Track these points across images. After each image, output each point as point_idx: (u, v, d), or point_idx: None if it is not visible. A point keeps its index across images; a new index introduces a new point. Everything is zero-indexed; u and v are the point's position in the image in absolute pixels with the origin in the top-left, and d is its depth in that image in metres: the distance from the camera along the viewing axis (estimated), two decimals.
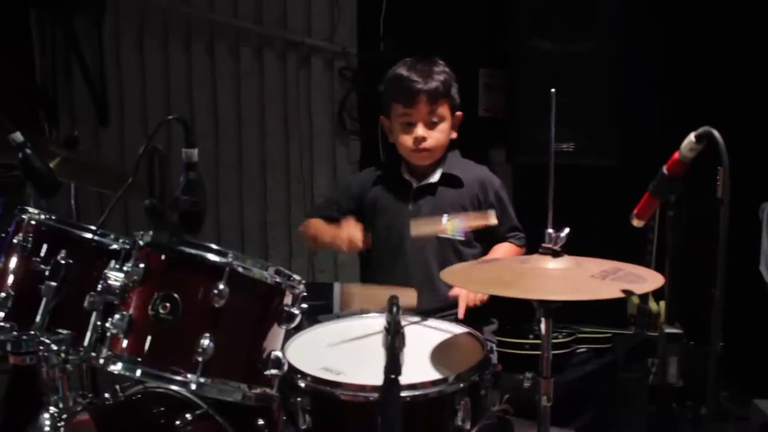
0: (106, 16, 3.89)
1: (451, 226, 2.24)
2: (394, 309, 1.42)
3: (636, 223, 1.47)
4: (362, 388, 1.66)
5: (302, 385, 1.71)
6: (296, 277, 1.66)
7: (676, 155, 1.35)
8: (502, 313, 2.49)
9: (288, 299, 1.65)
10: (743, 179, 3.69)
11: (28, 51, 3.92)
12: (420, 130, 2.24)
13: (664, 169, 1.37)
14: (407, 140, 2.27)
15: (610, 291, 1.51)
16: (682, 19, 3.85)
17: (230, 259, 1.54)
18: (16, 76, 3.89)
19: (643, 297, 3.82)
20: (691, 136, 1.31)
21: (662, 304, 3.88)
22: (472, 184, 2.34)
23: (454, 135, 2.35)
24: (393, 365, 1.46)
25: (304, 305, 2.59)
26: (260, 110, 3.90)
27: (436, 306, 2.18)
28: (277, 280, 1.63)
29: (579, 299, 1.50)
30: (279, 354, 1.62)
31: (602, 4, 3.61)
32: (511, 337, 2.98)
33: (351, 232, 2.18)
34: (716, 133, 1.26)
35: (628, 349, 3.51)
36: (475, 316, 2.24)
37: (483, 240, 2.33)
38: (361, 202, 2.41)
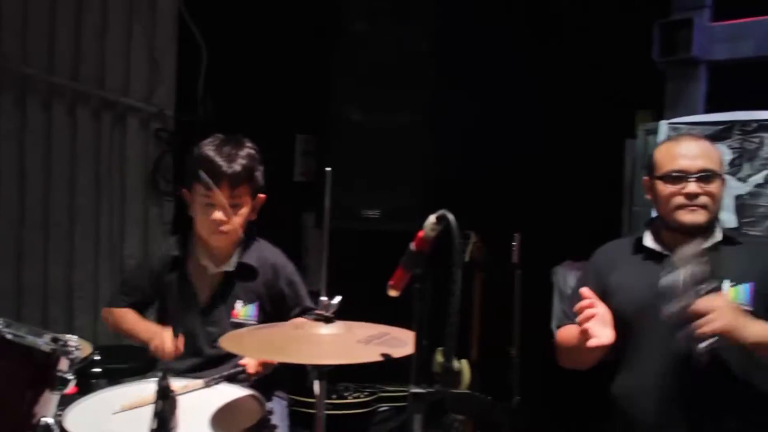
0: None
1: (244, 311, 2.36)
2: (162, 375, 1.48)
3: (392, 293, 1.63)
4: None
5: None
6: (73, 342, 1.67)
7: (421, 233, 1.52)
8: (302, 375, 2.60)
9: (63, 365, 1.66)
10: (539, 246, 4.06)
11: None
12: (219, 214, 2.28)
13: (412, 246, 1.54)
14: (205, 221, 2.31)
15: (371, 355, 1.66)
16: (481, 100, 4.23)
17: None
18: None
19: (447, 355, 4.07)
20: (432, 218, 1.49)
21: (464, 362, 4.13)
22: (266, 270, 2.41)
23: (254, 217, 2.41)
24: (161, 429, 1.52)
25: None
26: (71, 167, 3.83)
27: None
28: (53, 347, 1.64)
29: (341, 363, 1.63)
30: (49, 420, 1.62)
31: (413, 81, 3.92)
32: (311, 397, 3.04)
33: (166, 343, 2.22)
34: (450, 216, 1.45)
35: (429, 406, 3.71)
36: (269, 378, 2.34)
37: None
38: (159, 283, 2.44)
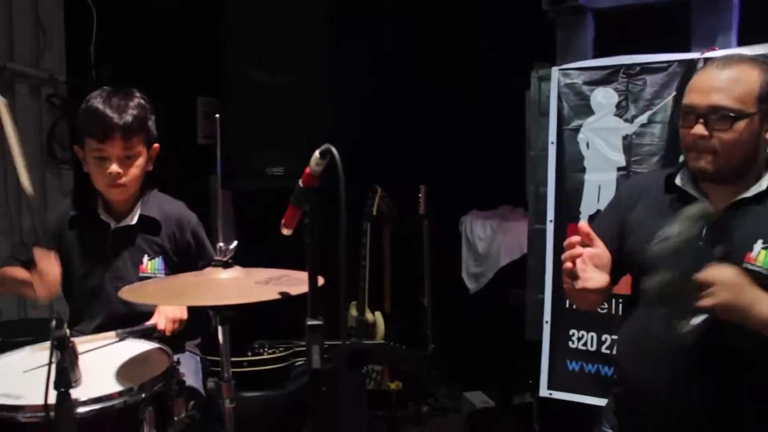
0: None
1: (152, 265, 2.34)
2: (56, 324, 1.48)
3: (285, 231, 1.66)
4: (43, 408, 1.67)
5: None
6: None
7: (308, 170, 1.56)
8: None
9: None
10: (445, 197, 4.16)
11: None
12: (114, 167, 2.24)
13: (300, 182, 1.58)
14: (101, 176, 2.27)
15: (270, 294, 1.70)
16: (386, 55, 4.27)
17: None
18: None
19: (361, 309, 4.15)
20: (317, 153, 1.53)
21: (378, 314, 4.22)
22: (170, 224, 2.39)
23: (150, 167, 2.38)
24: (61, 379, 1.52)
25: None
26: None
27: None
28: None
29: (242, 302, 1.67)
30: None
31: (311, 39, 3.93)
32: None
33: (48, 268, 2.10)
34: (334, 150, 1.48)
35: (346, 358, 3.78)
36: (179, 334, 2.34)
37: None
38: (60, 241, 2.37)
